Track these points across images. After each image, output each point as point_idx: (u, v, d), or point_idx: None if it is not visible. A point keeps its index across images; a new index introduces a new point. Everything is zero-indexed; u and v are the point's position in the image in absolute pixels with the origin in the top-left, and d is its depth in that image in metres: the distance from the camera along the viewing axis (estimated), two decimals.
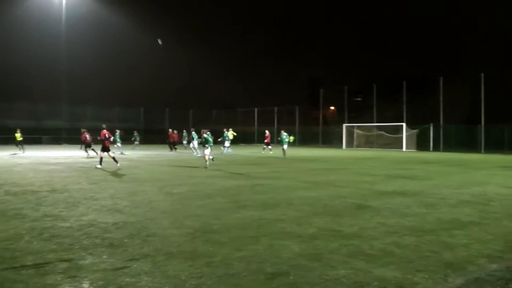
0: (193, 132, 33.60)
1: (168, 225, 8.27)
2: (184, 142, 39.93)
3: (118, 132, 33.93)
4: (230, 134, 36.66)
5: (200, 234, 7.60)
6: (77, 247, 6.72)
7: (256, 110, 68.29)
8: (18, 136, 32.99)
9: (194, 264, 5.96)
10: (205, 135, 21.47)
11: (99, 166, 19.76)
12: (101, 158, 20.14)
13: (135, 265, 5.86)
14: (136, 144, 40.43)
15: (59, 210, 9.69)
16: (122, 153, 31.83)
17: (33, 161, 24.43)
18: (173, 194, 12.31)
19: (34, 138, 54.80)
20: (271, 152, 34.78)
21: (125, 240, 7.15)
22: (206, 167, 20.23)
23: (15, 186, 13.69)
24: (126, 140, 39.22)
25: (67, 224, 8.24)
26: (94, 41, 71.07)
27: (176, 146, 38.01)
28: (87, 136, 29.57)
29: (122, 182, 15.09)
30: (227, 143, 35.89)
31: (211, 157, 21.25)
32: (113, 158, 20.07)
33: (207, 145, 20.99)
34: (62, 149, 38.43)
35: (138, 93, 78.76)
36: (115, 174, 17.57)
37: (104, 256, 6.25)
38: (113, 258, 6.16)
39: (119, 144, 33.43)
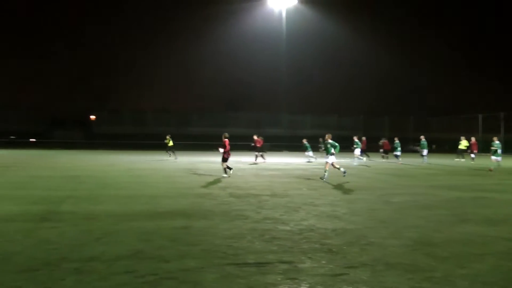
0: (356, 140, 32.56)
1: (387, 235, 8.12)
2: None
3: (305, 141, 35.09)
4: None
5: (420, 247, 7.35)
6: (296, 250, 6.96)
7: (480, 116, 62.89)
8: (169, 142, 35.64)
9: (414, 277, 5.77)
10: (330, 141, 18.84)
11: (226, 175, 19.27)
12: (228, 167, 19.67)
13: (354, 273, 5.85)
14: (322, 151, 41.17)
15: (279, 213, 10.19)
16: (309, 161, 33.24)
17: (255, 167, 26.28)
18: (392, 203, 12.09)
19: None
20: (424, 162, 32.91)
21: (344, 247, 7.18)
22: (322, 178, 18.30)
23: (238, 189, 14.82)
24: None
25: (287, 228, 8.62)
26: (312, 50, 73.97)
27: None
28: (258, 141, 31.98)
29: (341, 189, 15.26)
30: (425, 152, 34.77)
31: (342, 169, 19.04)
32: (226, 167, 19.58)
33: (332, 152, 18.53)
34: (282, 156, 40.67)
35: (357, 101, 79.56)
36: (334, 181, 17.85)
37: (323, 261, 6.35)
38: (332, 264, 6.23)
39: (310, 153, 34.46)
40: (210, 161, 31.91)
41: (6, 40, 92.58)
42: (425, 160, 34.32)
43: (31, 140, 59.05)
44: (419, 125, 67.61)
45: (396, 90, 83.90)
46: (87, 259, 6.37)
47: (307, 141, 34.73)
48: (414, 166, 29.47)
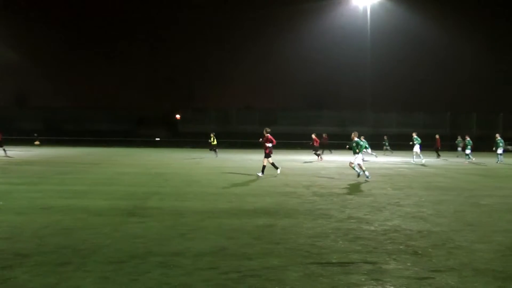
0: (415, 136, 31.06)
1: (475, 239, 7.82)
2: (459, 149, 37.86)
3: (385, 137, 34.32)
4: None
5: (511, 252, 6.99)
6: (381, 251, 6.87)
7: None
8: (213, 140, 35.85)
9: (505, 285, 5.53)
10: (356, 139, 18.13)
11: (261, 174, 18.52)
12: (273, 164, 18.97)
13: (440, 277, 5.69)
14: (387, 149, 40.20)
15: (363, 213, 10.07)
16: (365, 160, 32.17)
17: (339, 165, 26.04)
18: (481, 206, 11.63)
19: (340, 144, 58.62)
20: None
21: (429, 249, 7.00)
22: (359, 175, 17.99)
23: (322, 188, 14.76)
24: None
25: (371, 228, 8.51)
26: (397, 46, 72.02)
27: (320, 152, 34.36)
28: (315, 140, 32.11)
29: (427, 189, 14.80)
30: (499, 150, 32.72)
31: (358, 170, 18.15)
32: (272, 164, 18.93)
33: (358, 152, 17.85)
34: (366, 155, 39.85)
35: (444, 97, 76.64)
36: (419, 181, 17.36)
37: (408, 264, 6.22)
38: (417, 267, 6.09)
39: (369, 151, 33.37)
40: (294, 159, 31.98)
41: (95, 42, 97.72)
42: (500, 159, 32.58)
43: (156, 139, 60.74)
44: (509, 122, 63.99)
45: (485, 86, 79.85)
46: (172, 253, 6.58)
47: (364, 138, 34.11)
48: (498, 167, 27.93)
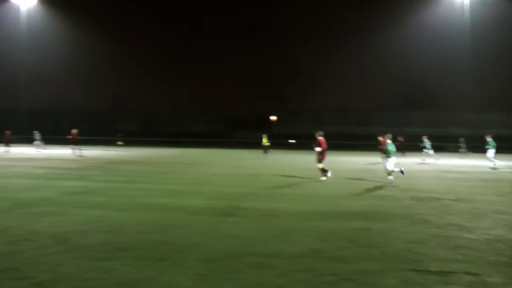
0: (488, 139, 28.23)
1: None
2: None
3: (426, 138, 32.24)
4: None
5: None
6: (483, 262, 6.55)
7: None
8: (265, 141, 36.76)
9: None
10: (389, 141, 17.31)
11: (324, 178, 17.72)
12: (323, 170, 17.94)
13: None
14: (463, 151, 37.89)
15: (464, 220, 9.64)
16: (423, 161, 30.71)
17: (436, 169, 25.04)
18: None
19: (438, 146, 56.39)
20: None
21: None
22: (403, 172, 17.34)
23: (419, 192, 14.27)
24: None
25: (473, 236, 8.12)
26: (499, 42, 67.90)
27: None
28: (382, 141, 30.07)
29: None
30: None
31: (396, 169, 17.29)
32: (322, 170, 17.98)
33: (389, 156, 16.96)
34: (467, 158, 38.07)
35: None
36: None
37: None
38: None
39: (429, 152, 31.98)
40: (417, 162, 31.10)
41: (193, 45, 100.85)
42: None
43: (290, 141, 61.22)
44: None
45: None
46: (268, 254, 6.63)
47: (427, 139, 32.39)
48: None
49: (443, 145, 57.08)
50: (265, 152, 36.77)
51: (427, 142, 32.62)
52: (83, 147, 34.19)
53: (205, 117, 73.61)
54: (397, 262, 6.37)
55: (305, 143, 55.67)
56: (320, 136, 18.24)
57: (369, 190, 14.68)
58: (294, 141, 55.03)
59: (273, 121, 73.32)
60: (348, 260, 6.42)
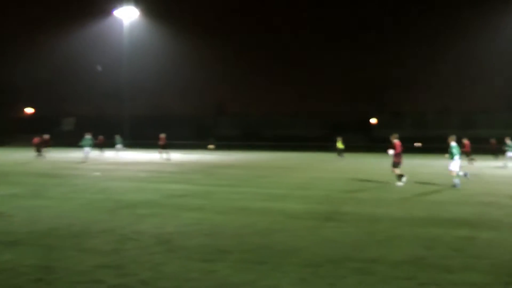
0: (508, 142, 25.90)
1: None
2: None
3: (509, 140, 29.04)
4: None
5: None
6: None
7: None
8: (340, 144, 37.23)
9: None
10: (453, 143, 16.37)
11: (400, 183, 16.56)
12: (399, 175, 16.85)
13: None
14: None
15: None
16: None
17: None
18: None
19: None
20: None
21: None
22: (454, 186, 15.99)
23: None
24: None
25: None
26: None
27: None
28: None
29: None
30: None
31: (461, 173, 16.31)
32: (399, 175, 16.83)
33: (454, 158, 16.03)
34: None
35: None
36: None
37: None
38: None
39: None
40: (496, 165, 29.35)
41: (291, 50, 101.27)
42: None
43: (416, 144, 57.34)
44: None
45: None
46: (369, 260, 6.49)
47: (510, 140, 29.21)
48: None
49: None
50: (340, 155, 36.68)
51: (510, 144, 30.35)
52: (181, 151, 35.37)
53: (305, 121, 73.59)
54: (506, 275, 5.98)
55: (406, 147, 53.83)
56: (396, 139, 17.42)
57: (473, 195, 13.97)
58: (420, 144, 52.15)
59: (373, 124, 71.76)
60: (453, 270, 6.13)
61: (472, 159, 30.90)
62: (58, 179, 17.71)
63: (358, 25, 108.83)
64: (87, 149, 32.74)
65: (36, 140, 36.73)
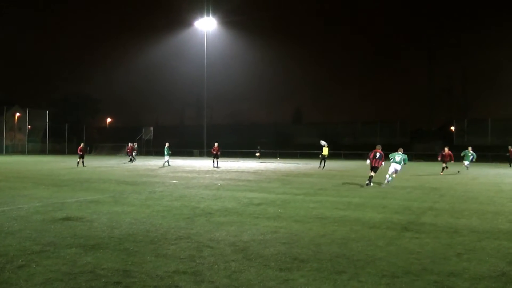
0: None
1: None
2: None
3: None
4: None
5: None
6: None
7: None
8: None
9: None
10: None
11: None
12: None
13: None
14: None
15: None
16: None
17: None
18: None
19: None
20: None
21: None
22: None
23: None
24: None
25: None
26: None
27: None
28: None
29: None
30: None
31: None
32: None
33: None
34: None
35: None
36: None
37: None
38: None
39: None
40: None
41: (368, 57, 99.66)
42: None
43: None
44: None
45: None
46: (448, 273, 6.29)
47: None
48: None
49: None
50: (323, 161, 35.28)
51: None
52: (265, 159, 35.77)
53: (383, 129, 72.24)
54: None
55: (490, 156, 51.38)
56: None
57: None
58: None
59: (453, 131, 69.21)
60: None
61: None
62: (137, 186, 18.30)
63: (434, 33, 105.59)
64: (166, 157, 33.98)
65: (129, 147, 42.74)
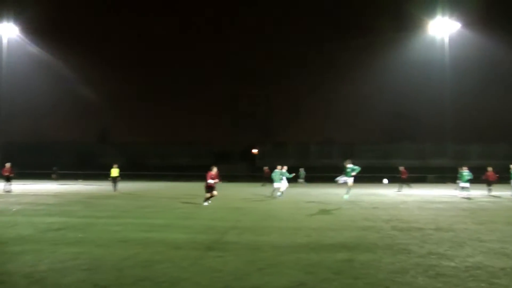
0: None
1: None
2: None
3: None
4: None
5: None
6: None
7: None
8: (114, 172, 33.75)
9: None
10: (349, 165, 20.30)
11: None
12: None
13: None
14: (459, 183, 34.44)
15: (444, 249, 9.76)
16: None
17: (418, 199, 25.34)
18: None
19: (419, 177, 56.95)
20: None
21: None
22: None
23: (401, 222, 14.39)
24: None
25: (452, 264, 8.25)
26: (478, 76, 69.53)
27: None
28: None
29: (510, 224, 14.14)
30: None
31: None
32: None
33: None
34: (447, 188, 38.60)
35: None
36: (502, 215, 16.61)
37: None
38: None
39: (464, 184, 28.34)
40: (374, 193, 31.53)
41: (175, 77, 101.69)
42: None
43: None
44: None
45: None
46: None
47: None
48: None
49: (424, 176, 57.87)
50: (114, 183, 33.78)
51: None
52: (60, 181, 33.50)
53: (190, 150, 73.77)
54: None
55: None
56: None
57: (352, 221, 14.72)
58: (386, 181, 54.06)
59: (255, 154, 73.54)
60: None
61: (409, 185, 35.75)
62: None
63: (238, 56, 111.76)
64: None
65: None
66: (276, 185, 26.28)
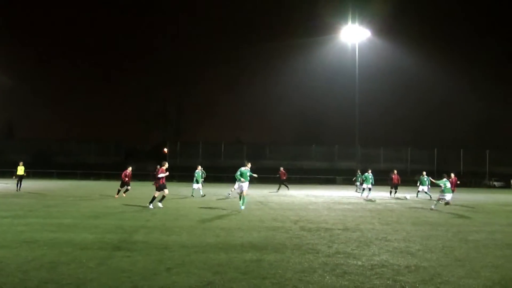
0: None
1: (463, 274, 7.82)
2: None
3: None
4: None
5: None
6: (368, 286, 6.87)
7: None
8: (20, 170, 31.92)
9: None
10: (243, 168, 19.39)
11: None
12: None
13: None
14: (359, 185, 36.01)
15: (351, 248, 10.04)
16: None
17: (327, 200, 26.01)
18: (469, 241, 11.58)
19: (328, 178, 58.76)
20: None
21: (417, 285, 7.01)
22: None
23: (309, 222, 14.70)
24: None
25: (359, 263, 8.48)
26: (386, 82, 73.10)
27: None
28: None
29: (415, 225, 14.79)
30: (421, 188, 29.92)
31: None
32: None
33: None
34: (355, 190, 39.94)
35: (431, 134, 77.57)
36: (407, 216, 17.36)
37: None
38: None
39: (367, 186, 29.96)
40: (282, 194, 31.96)
41: (85, 74, 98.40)
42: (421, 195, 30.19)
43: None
44: (497, 158, 65.12)
45: (472, 123, 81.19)
46: None
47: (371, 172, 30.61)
48: (488, 202, 27.97)
49: (333, 178, 59.75)
50: (19, 182, 31.28)
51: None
52: None
53: (97, 147, 71.54)
54: None
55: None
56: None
57: (261, 221, 14.85)
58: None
59: (165, 153, 72.65)
60: None
61: (287, 186, 36.30)
62: None
63: (150, 55, 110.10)
64: None
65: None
66: (195, 186, 27.22)
